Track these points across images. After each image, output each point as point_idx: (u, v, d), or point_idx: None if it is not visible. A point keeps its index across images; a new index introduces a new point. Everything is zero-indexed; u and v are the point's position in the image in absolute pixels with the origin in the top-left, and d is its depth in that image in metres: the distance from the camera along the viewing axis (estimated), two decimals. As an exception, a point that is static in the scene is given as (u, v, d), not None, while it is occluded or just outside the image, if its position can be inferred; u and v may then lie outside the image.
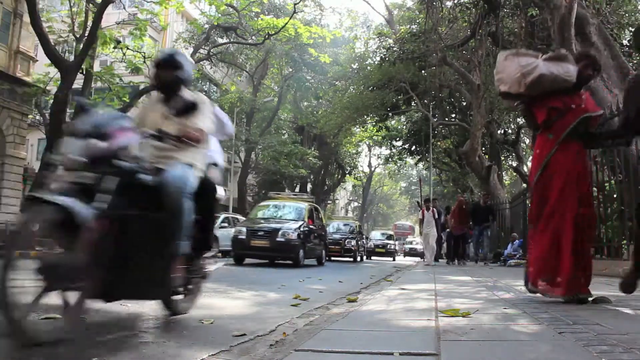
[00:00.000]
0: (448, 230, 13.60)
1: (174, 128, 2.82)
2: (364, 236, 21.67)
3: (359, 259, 17.45)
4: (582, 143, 3.41)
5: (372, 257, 22.35)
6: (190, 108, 2.80)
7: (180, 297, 3.00)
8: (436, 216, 12.55)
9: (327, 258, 13.56)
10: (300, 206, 12.08)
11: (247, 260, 10.72)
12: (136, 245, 2.51)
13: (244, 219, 14.88)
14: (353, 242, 16.84)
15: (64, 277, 2.17)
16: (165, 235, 2.61)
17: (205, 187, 2.93)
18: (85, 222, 2.16)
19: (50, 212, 2.12)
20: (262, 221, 11.22)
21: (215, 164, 3.16)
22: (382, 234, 27.44)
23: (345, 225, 18.98)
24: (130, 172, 2.49)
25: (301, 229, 10.72)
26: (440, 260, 14.27)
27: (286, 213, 11.82)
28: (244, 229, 10.57)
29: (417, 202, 20.22)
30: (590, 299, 3.27)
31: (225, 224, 14.16)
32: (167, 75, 2.98)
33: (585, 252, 3.34)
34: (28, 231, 2.16)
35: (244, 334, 2.50)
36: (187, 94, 3.04)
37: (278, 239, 10.13)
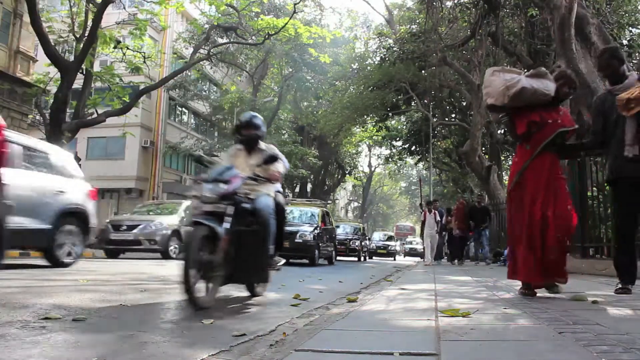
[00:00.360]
0: (449, 231, 13.74)
1: (263, 172, 4.13)
2: (366, 237, 23.03)
3: (362, 258, 19.05)
4: (556, 154, 3.77)
5: (374, 257, 23.38)
6: (273, 159, 4.09)
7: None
8: (437, 218, 12.94)
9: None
10: (315, 211, 13.14)
11: None
12: (246, 248, 3.78)
13: None
14: (357, 243, 18.63)
15: (210, 270, 3.46)
16: (262, 241, 3.90)
17: (278, 207, 4.17)
18: (221, 236, 3.47)
19: (204, 230, 3.39)
20: None
21: (279, 191, 4.38)
22: (384, 235, 29.25)
23: (350, 227, 20.64)
24: (240, 203, 3.77)
25: (316, 231, 11.79)
26: (442, 260, 14.34)
27: (302, 217, 12.84)
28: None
29: (420, 205, 20.57)
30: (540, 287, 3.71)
31: None
32: (250, 133, 4.25)
33: (549, 250, 3.58)
34: (195, 241, 3.33)
35: (244, 334, 2.50)
36: (264, 146, 4.30)
37: (296, 240, 11.11)
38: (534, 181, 3.65)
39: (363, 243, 19.81)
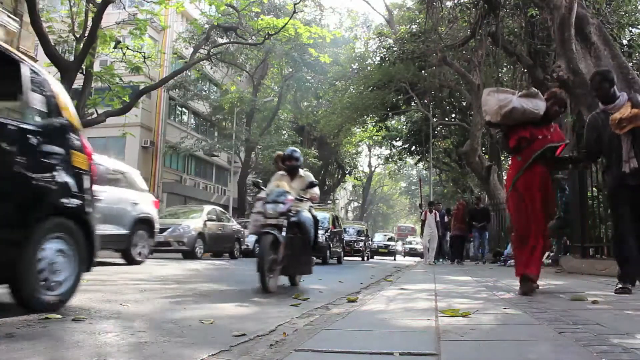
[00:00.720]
0: (450, 232, 13.95)
1: (305, 194, 5.55)
2: (369, 238, 24.59)
3: (365, 258, 20.74)
4: (546, 166, 4.18)
5: (375, 257, 24.53)
6: (313, 185, 5.57)
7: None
8: (438, 219, 13.14)
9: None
10: (326, 215, 14.14)
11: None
12: (296, 250, 5.21)
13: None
14: (361, 244, 20.31)
15: (274, 265, 4.85)
16: (306, 245, 5.40)
17: (314, 219, 5.61)
18: (281, 242, 4.91)
19: (271, 237, 4.82)
20: None
21: (311, 206, 5.78)
22: (384, 235, 31.57)
23: (354, 229, 21.86)
24: (290, 217, 5.15)
25: (327, 234, 12.91)
26: (442, 260, 14.38)
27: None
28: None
29: (420, 205, 21.00)
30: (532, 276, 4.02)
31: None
32: (292, 164, 5.65)
33: (538, 242, 4.10)
34: (266, 245, 4.77)
35: (244, 334, 2.50)
36: (302, 172, 5.72)
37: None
38: (526, 189, 4.12)
39: (366, 244, 21.28)
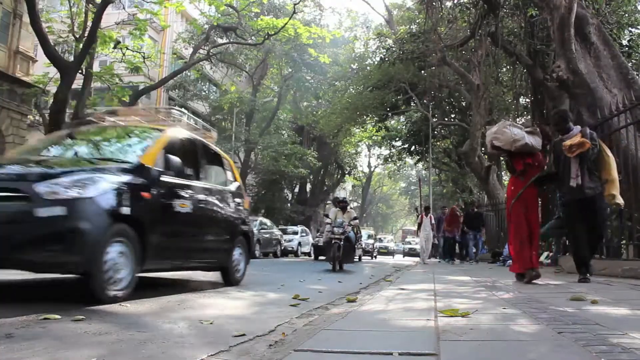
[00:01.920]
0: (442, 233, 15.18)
1: (352, 222, 10.57)
2: (376, 240, 30.21)
3: (374, 257, 25.20)
4: (536, 184, 5.54)
5: (378, 256, 28.07)
6: (356, 218, 10.98)
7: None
8: (433, 221, 14.10)
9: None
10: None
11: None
12: (347, 250, 10.19)
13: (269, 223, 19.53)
14: (371, 246, 25.26)
15: (338, 259, 9.87)
16: (352, 248, 10.99)
17: (356, 234, 11.75)
18: (340, 246, 9.79)
19: (337, 244, 9.75)
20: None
21: (353, 226, 10.88)
22: (383, 237, 37.87)
23: (366, 233, 25.11)
24: (345, 234, 10.03)
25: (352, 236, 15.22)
26: (448, 260, 14.66)
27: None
28: (322, 238, 14.04)
29: (416, 208, 21.37)
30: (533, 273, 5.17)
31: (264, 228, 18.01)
32: (343, 205, 10.87)
33: (535, 241, 5.47)
34: (335, 248, 9.75)
35: (244, 334, 2.50)
36: (349, 209, 10.84)
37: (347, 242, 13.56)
38: (526, 202, 5.42)
39: (375, 245, 26.85)
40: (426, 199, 22.44)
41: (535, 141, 5.40)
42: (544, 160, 5.72)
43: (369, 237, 26.17)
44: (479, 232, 14.68)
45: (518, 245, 5.29)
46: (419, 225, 14.32)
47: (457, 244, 15.31)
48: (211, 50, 20.02)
